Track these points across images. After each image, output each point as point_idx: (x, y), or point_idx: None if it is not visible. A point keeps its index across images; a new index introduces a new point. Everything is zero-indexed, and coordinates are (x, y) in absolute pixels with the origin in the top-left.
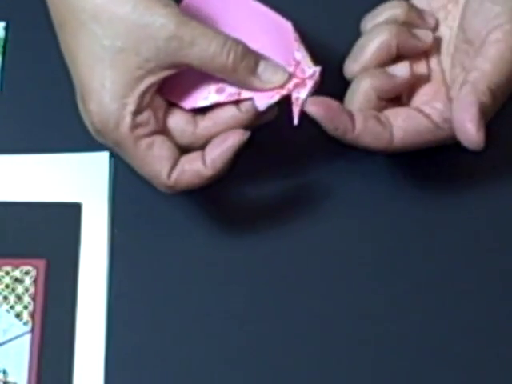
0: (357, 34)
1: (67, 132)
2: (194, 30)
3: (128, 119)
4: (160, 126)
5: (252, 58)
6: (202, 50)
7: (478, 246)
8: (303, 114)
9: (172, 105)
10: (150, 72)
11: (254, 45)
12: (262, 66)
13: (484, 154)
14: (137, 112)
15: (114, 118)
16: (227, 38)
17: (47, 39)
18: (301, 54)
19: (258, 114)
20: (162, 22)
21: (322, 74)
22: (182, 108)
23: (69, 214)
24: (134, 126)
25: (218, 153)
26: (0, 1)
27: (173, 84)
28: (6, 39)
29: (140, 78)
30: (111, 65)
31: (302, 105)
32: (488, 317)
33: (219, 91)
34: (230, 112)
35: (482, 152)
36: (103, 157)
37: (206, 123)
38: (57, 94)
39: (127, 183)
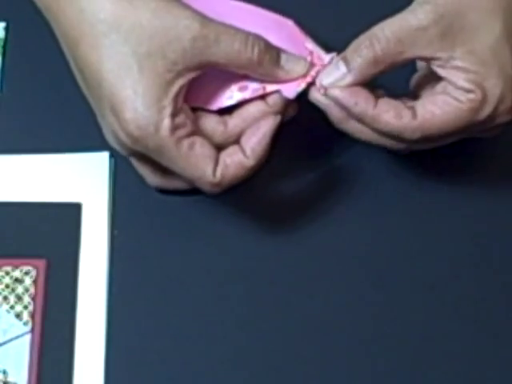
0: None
1: (67, 132)
2: (217, 28)
3: (167, 121)
4: (195, 127)
5: (274, 51)
6: (228, 46)
7: (479, 246)
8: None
9: (197, 109)
10: (179, 74)
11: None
12: (284, 58)
13: (490, 157)
14: (174, 114)
15: (153, 123)
16: (248, 33)
17: (47, 39)
18: (311, 45)
19: (284, 106)
20: (186, 23)
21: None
22: (208, 110)
23: (69, 214)
24: (174, 127)
25: (256, 141)
26: (0, 1)
27: (194, 90)
28: (6, 39)
29: (171, 81)
30: (140, 71)
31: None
32: (488, 317)
33: (242, 89)
34: (257, 107)
35: (489, 154)
36: (103, 157)
37: (235, 121)
38: (57, 94)
39: (127, 183)
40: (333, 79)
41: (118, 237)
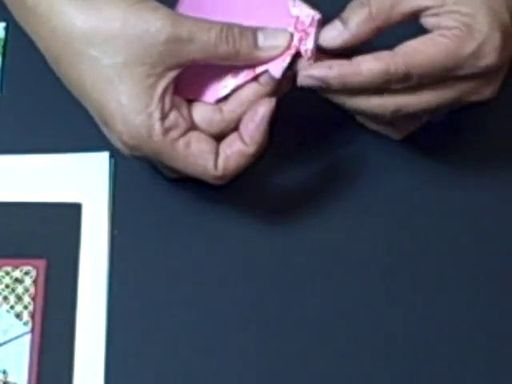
0: None
1: (67, 132)
2: (190, 26)
3: (158, 126)
4: (189, 123)
5: (249, 34)
6: (203, 43)
7: (480, 243)
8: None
9: (191, 100)
10: (160, 76)
11: (252, 22)
12: (261, 37)
13: (493, 151)
14: (163, 117)
15: (145, 130)
16: (222, 24)
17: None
18: (298, 9)
19: (279, 83)
20: (157, 26)
21: (321, 19)
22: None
23: (69, 214)
24: (166, 130)
25: (254, 127)
26: (0, 1)
27: (189, 83)
28: (6, 39)
29: (153, 85)
30: (121, 82)
31: (312, 54)
32: (489, 317)
33: (235, 75)
34: (251, 89)
35: (492, 149)
36: (103, 157)
37: (230, 106)
38: (57, 94)
39: (127, 183)
40: (328, 36)
41: (118, 237)
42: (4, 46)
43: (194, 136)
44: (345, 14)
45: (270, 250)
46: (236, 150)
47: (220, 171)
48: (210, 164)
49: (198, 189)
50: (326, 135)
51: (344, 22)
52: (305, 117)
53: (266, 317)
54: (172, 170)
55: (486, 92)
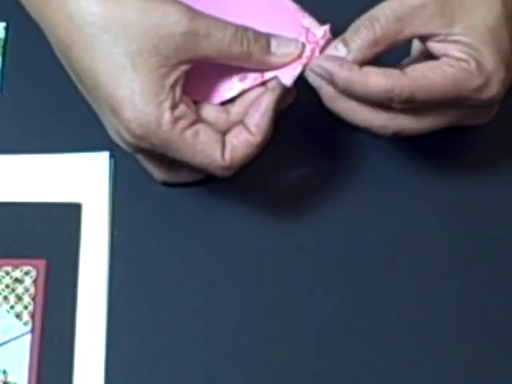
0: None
1: (67, 132)
2: (207, 22)
3: (167, 115)
4: (197, 116)
5: (263, 38)
6: (218, 40)
7: (480, 242)
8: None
9: (197, 102)
10: (173, 67)
11: (259, 29)
12: (274, 43)
13: (492, 149)
14: (173, 106)
15: (154, 118)
16: (237, 26)
17: (47, 39)
18: (307, 21)
19: (285, 90)
20: (175, 19)
21: (333, 31)
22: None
23: (69, 214)
24: (175, 119)
25: (259, 116)
26: (0, 1)
27: (195, 84)
28: (6, 39)
29: (165, 75)
30: (134, 69)
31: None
32: (488, 316)
33: (242, 79)
34: (258, 93)
35: (490, 147)
36: (103, 157)
37: (237, 109)
38: (57, 94)
39: (127, 183)
40: None
41: (118, 236)
42: (4, 46)
43: (201, 127)
44: (348, 37)
45: (269, 249)
46: (243, 140)
47: (228, 161)
48: (217, 154)
49: (197, 189)
50: (325, 134)
51: (347, 46)
52: (304, 116)
53: (266, 316)
54: (169, 166)
55: (485, 117)
